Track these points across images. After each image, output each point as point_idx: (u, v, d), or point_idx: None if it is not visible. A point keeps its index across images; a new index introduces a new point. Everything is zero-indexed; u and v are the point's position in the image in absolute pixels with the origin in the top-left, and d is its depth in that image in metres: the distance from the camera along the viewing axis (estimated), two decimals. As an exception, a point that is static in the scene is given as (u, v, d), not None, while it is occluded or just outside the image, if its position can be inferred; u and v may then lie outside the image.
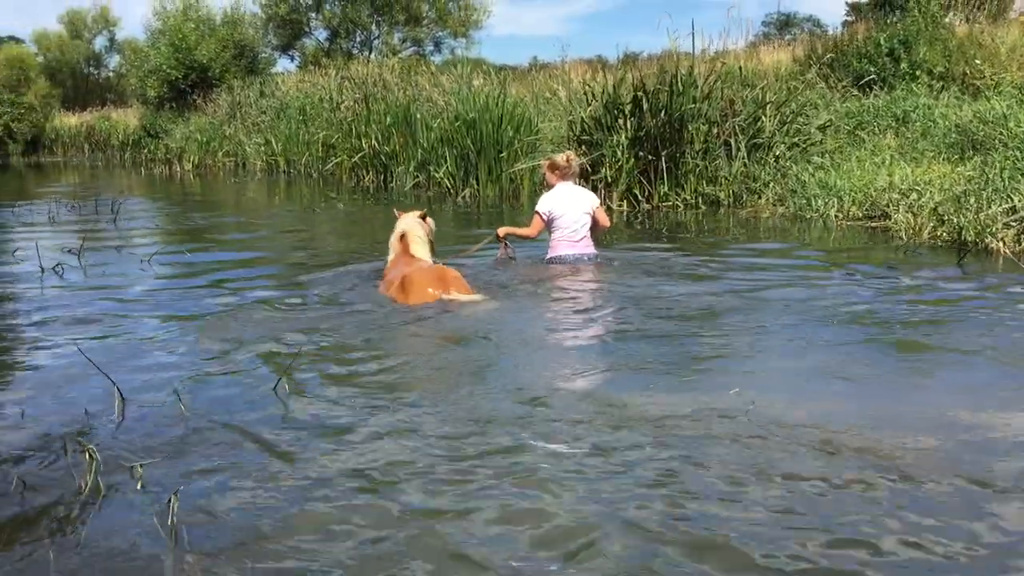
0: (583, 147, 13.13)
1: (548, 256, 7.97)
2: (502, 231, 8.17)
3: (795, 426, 3.78)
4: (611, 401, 4.14)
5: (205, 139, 28.76)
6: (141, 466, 3.44)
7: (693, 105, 12.54)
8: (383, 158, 18.86)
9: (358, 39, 39.87)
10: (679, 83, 12.54)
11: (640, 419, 3.89)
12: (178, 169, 28.56)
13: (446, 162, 16.04)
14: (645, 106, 12.63)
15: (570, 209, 7.91)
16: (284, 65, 40.98)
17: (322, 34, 40.83)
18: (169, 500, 3.08)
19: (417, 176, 17.27)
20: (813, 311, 5.91)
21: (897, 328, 5.47)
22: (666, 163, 12.48)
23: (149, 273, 8.22)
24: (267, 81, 30.95)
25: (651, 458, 3.49)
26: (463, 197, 15.33)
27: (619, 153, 12.64)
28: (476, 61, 30.74)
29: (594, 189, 12.80)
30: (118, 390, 4.28)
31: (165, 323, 6.04)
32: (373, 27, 39.72)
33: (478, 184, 15.48)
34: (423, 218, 7.49)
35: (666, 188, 12.52)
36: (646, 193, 12.65)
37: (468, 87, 18.01)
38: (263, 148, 25.56)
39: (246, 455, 3.65)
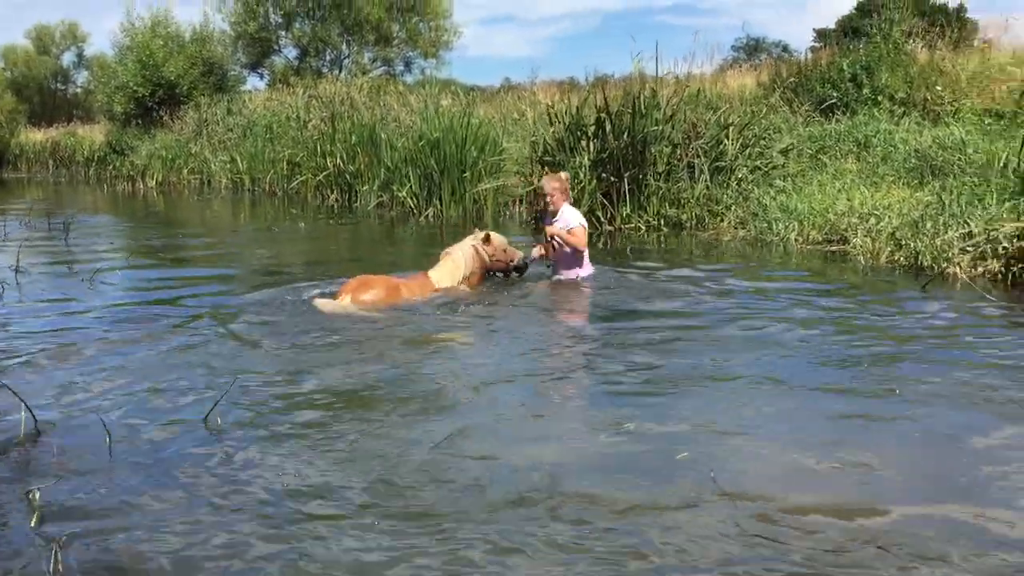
0: (545, 168, 13.06)
1: (583, 275, 8.13)
2: (551, 230, 8.08)
3: (759, 499, 3.42)
4: (564, 480, 3.66)
5: (170, 156, 28.42)
6: (37, 495, 3.26)
7: (656, 127, 12.51)
8: (348, 177, 18.70)
9: (328, 58, 39.72)
10: (642, 105, 12.52)
11: (592, 504, 3.42)
12: (141, 186, 28.20)
13: (409, 181, 15.93)
14: (608, 128, 12.59)
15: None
16: (253, 83, 40.55)
17: (292, 52, 40.62)
18: (53, 549, 2.90)
19: (381, 195, 17.13)
20: (783, 347, 5.74)
21: (867, 366, 5.25)
22: (629, 185, 12.42)
23: (90, 292, 8.00)
24: (235, 99, 30.70)
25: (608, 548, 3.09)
26: (426, 217, 15.20)
27: (582, 174, 12.56)
28: (447, 82, 30.73)
29: (556, 210, 12.74)
30: (31, 414, 4.10)
31: (92, 344, 5.84)
32: (343, 46, 39.61)
33: (441, 204, 15.37)
34: (486, 239, 7.73)
35: (628, 210, 12.46)
36: (608, 215, 12.57)
37: (434, 107, 17.93)
38: (228, 166, 25.30)
39: (154, 492, 3.47)
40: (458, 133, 15.22)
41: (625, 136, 12.42)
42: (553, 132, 13.23)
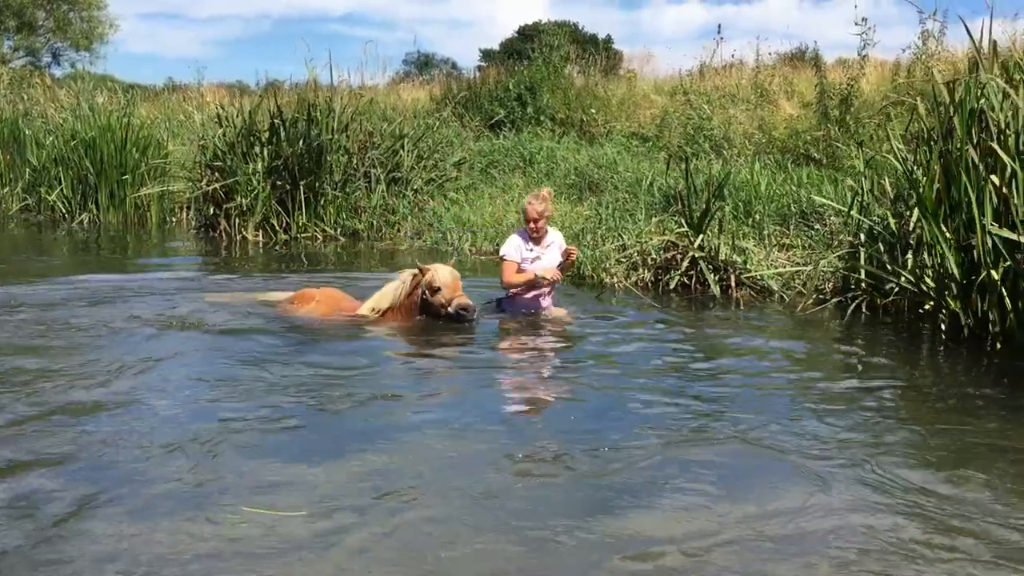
0: (215, 173, 12.51)
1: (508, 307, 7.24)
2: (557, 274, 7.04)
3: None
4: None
5: None
6: None
7: (331, 136, 12.43)
8: (-16, 178, 16.67)
9: (-42, 43, 35.30)
10: (317, 113, 12.39)
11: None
12: None
13: (60, 184, 14.54)
14: (283, 134, 12.29)
15: None
16: None
17: (-88, 34, 35.63)
18: None
19: (26, 198, 15.47)
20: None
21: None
22: (305, 193, 12.21)
23: None
24: None
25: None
26: (80, 223, 13.95)
27: (255, 181, 12.18)
28: (103, 77, 28.39)
29: (227, 218, 12.27)
30: None
31: None
32: (-23, 31, 35.39)
33: (98, 209, 14.19)
34: (416, 274, 6.66)
35: (305, 218, 12.24)
36: (284, 223, 12.27)
37: (88, 104, 16.50)
38: None
39: None
40: (117, 133, 14.15)
41: (300, 143, 12.21)
42: (224, 136, 12.69)
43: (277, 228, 12.24)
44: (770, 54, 16.53)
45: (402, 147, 13.22)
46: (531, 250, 7.07)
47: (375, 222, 12.32)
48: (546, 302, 7.14)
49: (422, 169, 13.33)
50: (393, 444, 4.19)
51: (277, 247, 11.68)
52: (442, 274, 6.59)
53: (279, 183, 12.29)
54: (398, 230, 12.20)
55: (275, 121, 12.36)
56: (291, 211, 12.26)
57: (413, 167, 13.17)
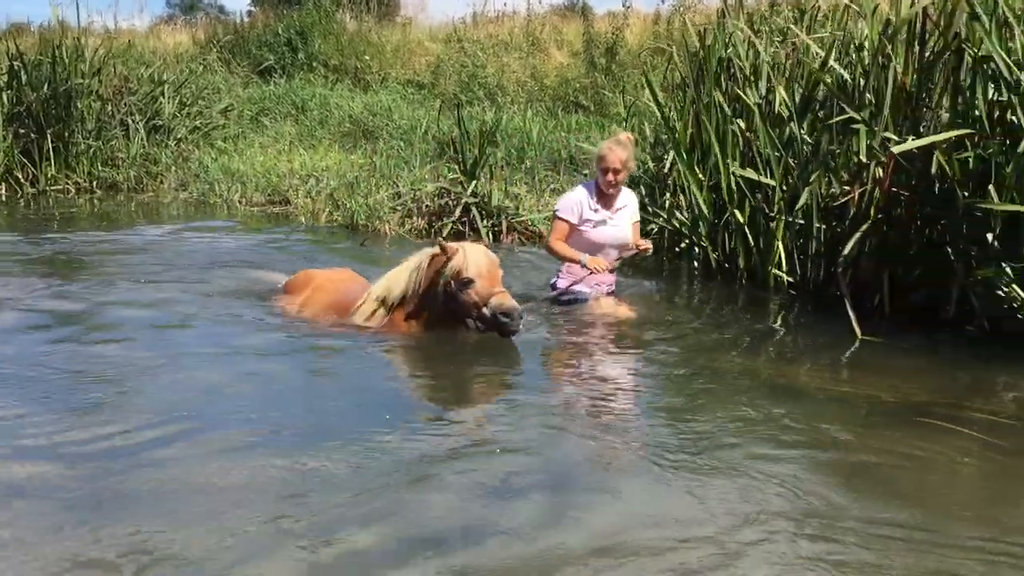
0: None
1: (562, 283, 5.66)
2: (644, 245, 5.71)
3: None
4: None
5: None
6: None
7: (82, 80, 11.52)
8: None
9: None
10: (64, 55, 11.44)
11: None
12: None
13: None
14: (24, 78, 11.29)
15: None
16: None
17: None
18: None
19: None
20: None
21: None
22: (53, 142, 11.30)
23: None
24: None
25: None
26: None
27: (-6, 130, 11.15)
28: None
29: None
30: None
31: None
32: None
33: None
34: (437, 253, 4.68)
35: (54, 170, 11.34)
36: (30, 176, 11.32)
37: None
38: None
39: None
40: None
41: (45, 88, 11.26)
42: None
43: (23, 180, 11.27)
44: (540, 3, 16.84)
45: (163, 93, 12.47)
46: (596, 211, 5.50)
47: (135, 173, 11.59)
48: (607, 282, 5.68)
49: (185, 117, 12.66)
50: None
51: (23, 201, 10.75)
52: (474, 258, 4.60)
53: (22, 131, 11.32)
54: (161, 182, 11.54)
55: (15, 64, 11.33)
56: (38, 162, 11.31)
57: (176, 115, 12.48)
